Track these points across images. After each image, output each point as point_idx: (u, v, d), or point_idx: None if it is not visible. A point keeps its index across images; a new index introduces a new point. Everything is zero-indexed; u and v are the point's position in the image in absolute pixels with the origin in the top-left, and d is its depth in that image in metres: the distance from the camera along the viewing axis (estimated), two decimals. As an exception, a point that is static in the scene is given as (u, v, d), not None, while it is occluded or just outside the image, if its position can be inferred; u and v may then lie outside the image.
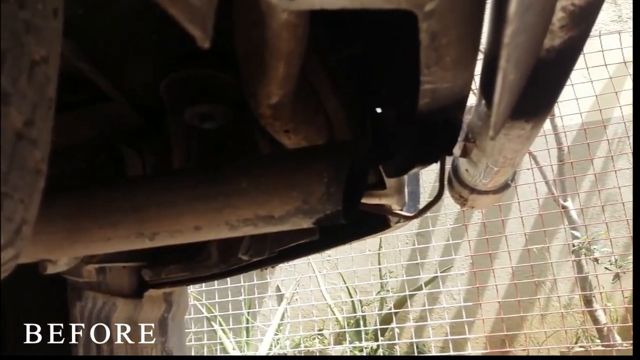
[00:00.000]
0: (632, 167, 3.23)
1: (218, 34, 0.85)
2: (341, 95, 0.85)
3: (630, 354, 2.85)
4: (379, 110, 0.93)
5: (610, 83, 3.39)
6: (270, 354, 3.83)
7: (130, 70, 0.95)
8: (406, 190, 1.20)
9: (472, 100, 0.89)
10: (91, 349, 1.25)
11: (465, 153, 1.08)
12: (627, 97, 3.50)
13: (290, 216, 0.67)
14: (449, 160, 1.19)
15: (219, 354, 3.82)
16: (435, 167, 1.00)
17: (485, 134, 0.93)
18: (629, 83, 3.46)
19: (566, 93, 3.45)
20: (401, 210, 1.24)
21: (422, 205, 1.27)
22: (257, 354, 3.86)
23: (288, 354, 3.54)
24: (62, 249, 0.75)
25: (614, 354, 2.88)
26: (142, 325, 1.43)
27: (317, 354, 3.45)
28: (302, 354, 3.52)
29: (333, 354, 3.46)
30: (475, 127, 0.98)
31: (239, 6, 0.60)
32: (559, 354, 3.43)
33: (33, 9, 0.42)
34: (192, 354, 3.91)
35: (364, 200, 1.13)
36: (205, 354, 3.84)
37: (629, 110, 3.47)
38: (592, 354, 2.94)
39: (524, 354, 3.53)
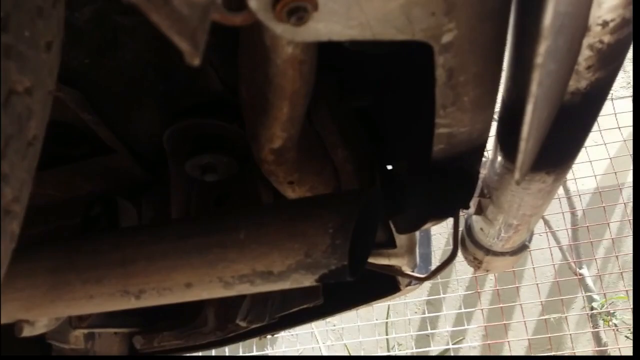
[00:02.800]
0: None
1: (223, 84, 0.82)
2: (350, 146, 0.81)
3: None
4: (390, 163, 0.89)
5: (625, 146, 3.37)
6: None
7: (134, 121, 0.93)
8: (417, 251, 1.14)
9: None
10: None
11: (480, 210, 1.02)
12: None
13: (292, 272, 0.61)
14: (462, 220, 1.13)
15: None
16: (444, 230, 0.94)
17: (502, 189, 0.87)
18: None
19: (580, 156, 3.41)
20: (412, 271, 1.16)
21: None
22: None
23: None
24: (42, 308, 0.69)
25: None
26: (132, 397, 1.32)
27: None
28: None
29: None
30: (492, 182, 0.92)
31: (244, 45, 0.57)
32: None
33: (17, 34, 0.39)
34: None
35: (372, 260, 1.06)
36: None
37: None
38: None
39: None
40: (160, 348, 1.35)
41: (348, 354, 3.75)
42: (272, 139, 0.59)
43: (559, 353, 3.37)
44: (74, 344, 1.19)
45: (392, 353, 3.67)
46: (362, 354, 3.69)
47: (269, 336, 3.76)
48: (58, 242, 0.72)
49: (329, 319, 3.88)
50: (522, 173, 0.44)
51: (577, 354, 3.38)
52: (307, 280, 0.63)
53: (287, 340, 4.01)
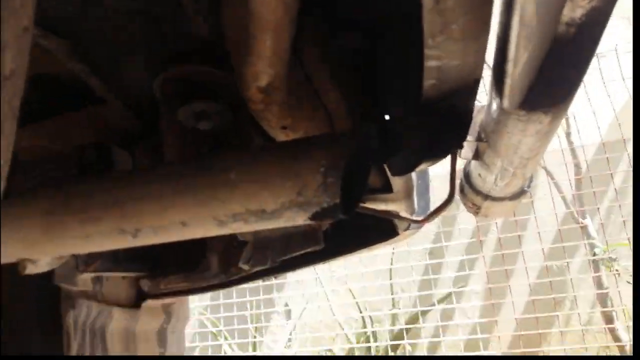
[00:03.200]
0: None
1: (211, 30, 0.81)
2: (342, 89, 0.80)
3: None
4: (384, 106, 0.87)
5: (630, 99, 3.30)
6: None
7: (124, 70, 0.92)
8: (415, 197, 1.14)
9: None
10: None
11: (478, 155, 1.01)
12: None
13: (284, 210, 0.61)
14: (460, 165, 1.12)
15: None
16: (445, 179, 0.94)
17: (499, 132, 0.86)
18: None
19: (583, 108, 3.37)
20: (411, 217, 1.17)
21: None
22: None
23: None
24: (41, 247, 0.70)
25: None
26: (140, 336, 1.37)
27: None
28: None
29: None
30: (488, 126, 0.91)
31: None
32: (578, 377, 3.29)
33: None
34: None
35: (370, 205, 1.07)
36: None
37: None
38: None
39: (542, 376, 3.40)
40: (166, 290, 1.39)
41: (353, 298, 3.85)
42: (258, 76, 0.58)
43: (560, 295, 3.43)
44: (82, 287, 1.22)
45: (395, 296, 3.76)
46: (366, 299, 3.79)
47: (274, 281, 3.86)
48: (54, 186, 0.73)
49: (333, 267, 3.96)
50: (511, 101, 0.43)
51: (577, 297, 3.45)
52: (300, 218, 0.63)
53: (293, 286, 4.11)
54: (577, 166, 3.36)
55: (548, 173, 3.39)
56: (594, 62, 3.35)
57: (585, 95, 3.29)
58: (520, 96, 0.53)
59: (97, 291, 1.31)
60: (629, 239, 3.18)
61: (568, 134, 3.38)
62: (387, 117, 0.86)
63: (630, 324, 3.17)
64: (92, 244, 0.69)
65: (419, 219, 1.02)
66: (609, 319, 3.06)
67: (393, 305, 3.76)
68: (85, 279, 1.25)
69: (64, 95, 0.97)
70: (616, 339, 3.03)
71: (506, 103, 0.44)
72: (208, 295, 3.91)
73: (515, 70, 0.40)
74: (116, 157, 1.00)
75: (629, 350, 2.98)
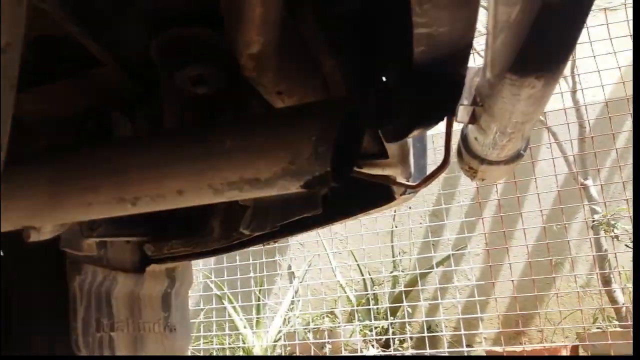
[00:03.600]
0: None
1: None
2: (338, 54, 0.80)
3: (650, 335, 2.78)
4: (380, 71, 0.87)
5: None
6: (281, 331, 3.84)
7: (121, 33, 0.91)
8: (412, 162, 1.15)
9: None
10: (90, 323, 1.24)
11: (473, 119, 1.02)
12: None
13: (277, 178, 0.63)
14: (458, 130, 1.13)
15: (228, 331, 3.84)
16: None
17: (493, 96, 0.86)
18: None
19: (589, 65, 3.32)
20: (407, 181, 1.18)
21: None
22: (268, 331, 3.88)
23: (298, 332, 3.54)
24: (43, 215, 0.72)
25: (632, 335, 2.81)
26: (144, 300, 1.41)
27: (327, 333, 3.44)
28: (312, 332, 3.52)
29: (343, 333, 3.45)
30: (484, 90, 0.91)
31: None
32: (575, 334, 3.37)
33: None
34: (201, 331, 3.94)
35: (366, 171, 1.08)
36: (214, 332, 3.87)
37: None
38: (610, 335, 2.88)
39: (539, 335, 3.48)
40: (169, 255, 1.42)
41: (354, 260, 3.92)
42: (249, 43, 0.58)
43: (560, 258, 3.48)
44: (87, 251, 1.25)
45: (396, 258, 3.83)
46: (367, 261, 3.86)
47: (276, 244, 3.92)
48: (54, 154, 0.75)
49: (335, 229, 4.01)
50: (493, 72, 0.44)
51: (576, 259, 3.50)
52: (293, 186, 0.65)
53: (295, 249, 4.18)
54: (582, 126, 3.33)
55: (552, 134, 3.37)
56: (601, 17, 3.28)
57: (592, 53, 3.23)
58: (507, 63, 0.53)
59: (102, 256, 1.34)
60: (626, 202, 3.20)
61: (574, 93, 3.34)
62: (383, 81, 0.87)
63: (629, 285, 3.22)
64: (93, 211, 0.71)
65: (414, 184, 1.03)
66: (606, 281, 3.11)
67: (394, 267, 3.83)
68: (90, 244, 1.27)
69: (64, 60, 0.97)
70: (613, 300, 3.09)
71: (488, 73, 0.44)
72: (212, 258, 3.98)
73: (495, 42, 0.40)
74: (115, 122, 1.01)
75: (624, 312, 3.04)
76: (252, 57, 0.61)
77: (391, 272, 3.81)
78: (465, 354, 3.33)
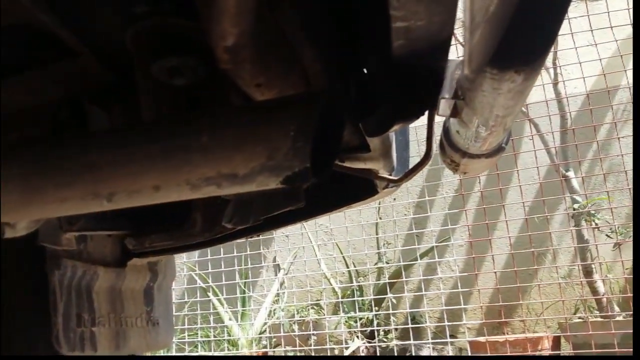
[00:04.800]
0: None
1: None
2: (318, 46, 0.78)
3: (629, 325, 2.83)
4: (362, 64, 0.87)
5: (618, 48, 3.28)
6: (266, 323, 3.84)
7: (96, 22, 0.89)
8: (394, 155, 1.15)
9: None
10: (71, 318, 1.22)
11: (455, 112, 1.02)
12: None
13: (256, 174, 0.62)
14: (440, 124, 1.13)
15: (213, 324, 3.84)
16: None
17: (474, 90, 0.86)
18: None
19: (570, 57, 3.35)
20: (390, 175, 1.18)
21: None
22: (253, 323, 3.88)
23: (283, 324, 3.55)
24: (17, 211, 0.71)
25: (612, 325, 2.86)
26: (126, 295, 1.39)
27: (312, 324, 3.45)
28: (297, 324, 3.52)
29: (328, 324, 3.46)
30: (465, 83, 0.91)
31: None
32: (557, 325, 3.42)
33: None
34: (185, 324, 3.93)
35: (348, 164, 1.08)
36: (199, 324, 3.86)
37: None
38: (591, 325, 2.92)
39: (521, 325, 3.53)
40: (151, 248, 1.40)
41: (340, 253, 3.93)
42: (224, 35, 0.57)
43: (542, 249, 3.52)
44: (66, 246, 1.23)
45: (381, 250, 3.84)
46: (351, 253, 3.87)
47: (261, 237, 3.91)
48: (26, 148, 0.73)
49: (320, 222, 4.02)
50: (471, 66, 0.43)
51: (558, 250, 3.54)
52: (272, 182, 0.64)
53: (280, 241, 4.18)
54: (563, 117, 3.36)
55: (534, 126, 3.40)
56: (582, 8, 3.30)
57: (573, 44, 3.26)
58: (486, 57, 0.53)
59: (82, 250, 1.32)
60: (607, 193, 3.24)
61: (555, 84, 3.36)
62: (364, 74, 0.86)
63: (609, 276, 3.27)
64: (68, 207, 0.69)
65: (396, 178, 1.03)
66: (587, 272, 3.16)
67: (379, 259, 3.85)
68: (69, 238, 1.25)
69: (37, 49, 0.95)
70: (594, 291, 3.14)
71: (467, 68, 0.44)
72: (196, 251, 3.96)
73: (473, 36, 0.40)
74: (91, 114, 0.98)
75: (605, 302, 3.09)
76: (227, 49, 0.60)
77: (376, 264, 3.83)
78: (449, 345, 3.36)
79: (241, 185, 0.63)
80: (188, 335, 3.94)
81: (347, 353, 3.33)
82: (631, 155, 3.37)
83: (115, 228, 1.36)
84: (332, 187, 1.32)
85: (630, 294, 3.01)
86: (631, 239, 3.21)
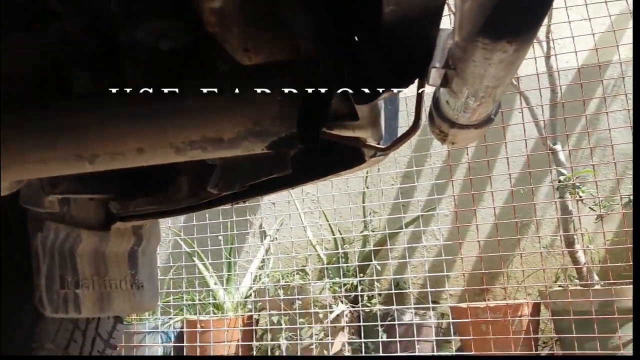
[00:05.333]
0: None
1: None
2: (308, 12, 0.77)
3: (607, 294, 2.91)
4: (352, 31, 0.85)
5: (612, 25, 3.26)
6: (252, 288, 3.88)
7: None
8: (383, 124, 1.14)
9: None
10: (54, 280, 1.22)
11: (445, 82, 1.01)
12: (627, 38, 3.38)
13: (241, 139, 0.61)
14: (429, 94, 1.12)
15: (198, 288, 3.87)
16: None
17: (465, 60, 0.85)
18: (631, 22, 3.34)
19: (564, 31, 3.33)
20: (378, 144, 1.18)
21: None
22: (239, 288, 3.92)
23: (268, 289, 3.59)
24: (-3, 172, 0.69)
25: (591, 294, 2.94)
26: (110, 258, 1.39)
27: (297, 289, 3.50)
28: (282, 289, 3.57)
29: (313, 290, 3.51)
30: (456, 53, 0.90)
31: None
32: (537, 292, 3.51)
33: None
34: (170, 288, 3.96)
35: (336, 132, 1.07)
36: (184, 287, 3.89)
37: (627, 53, 3.36)
38: (570, 293, 3.00)
39: (502, 292, 3.61)
40: (135, 213, 1.39)
41: (326, 220, 3.95)
42: (210, -3, 0.56)
43: (525, 220, 3.57)
44: (49, 208, 1.22)
45: (367, 219, 3.87)
46: (338, 221, 3.90)
47: (247, 204, 3.92)
48: (8, 111, 0.71)
49: (307, 190, 4.02)
50: (462, 35, 0.42)
51: (541, 222, 3.60)
52: (258, 147, 0.63)
53: (267, 208, 4.19)
54: (554, 91, 3.37)
55: (524, 98, 3.40)
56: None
57: (567, 18, 3.24)
58: (477, 26, 0.52)
59: (65, 213, 1.31)
60: (593, 166, 3.28)
61: (547, 58, 3.35)
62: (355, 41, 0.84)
63: (590, 247, 3.34)
64: (49, 169, 0.68)
65: (383, 147, 1.02)
66: (569, 242, 3.22)
67: (364, 227, 3.88)
68: (52, 201, 1.24)
69: (22, 12, 0.91)
70: (575, 261, 3.21)
71: (457, 36, 0.43)
72: (182, 216, 3.96)
73: (465, 3, 0.39)
74: (76, 78, 0.96)
75: (585, 272, 3.16)
76: (214, 12, 0.58)
77: (362, 232, 3.86)
78: (431, 310, 3.44)
79: (227, 150, 0.63)
80: (173, 299, 3.97)
81: (331, 317, 3.40)
82: (619, 130, 3.40)
83: (100, 191, 1.34)
84: (319, 154, 1.31)
85: (610, 264, 3.09)
86: (614, 211, 3.26)
